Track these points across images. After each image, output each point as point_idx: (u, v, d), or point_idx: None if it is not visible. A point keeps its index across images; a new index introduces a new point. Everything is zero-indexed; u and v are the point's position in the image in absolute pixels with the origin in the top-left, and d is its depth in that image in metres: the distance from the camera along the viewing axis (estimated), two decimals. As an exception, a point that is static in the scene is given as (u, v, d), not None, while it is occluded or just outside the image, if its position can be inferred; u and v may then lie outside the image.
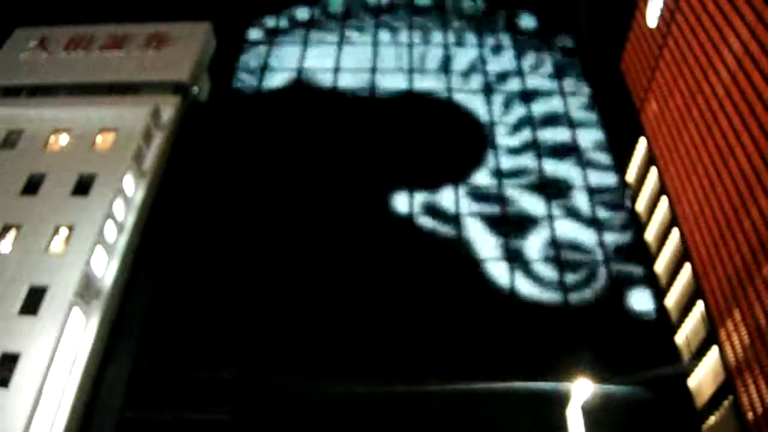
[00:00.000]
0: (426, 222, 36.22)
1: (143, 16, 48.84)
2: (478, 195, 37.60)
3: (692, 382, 29.97)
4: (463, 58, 46.28)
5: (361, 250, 34.79)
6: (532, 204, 37.28)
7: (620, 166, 39.90)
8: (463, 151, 39.98)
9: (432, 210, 36.78)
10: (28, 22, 48.12)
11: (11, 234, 33.74)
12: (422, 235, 35.66)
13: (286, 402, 28.99)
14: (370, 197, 37.30)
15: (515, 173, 38.90)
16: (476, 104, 42.80)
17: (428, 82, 44.26)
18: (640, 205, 38.28)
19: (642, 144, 39.52)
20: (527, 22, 49.63)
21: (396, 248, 34.95)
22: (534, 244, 35.28)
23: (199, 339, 31.34)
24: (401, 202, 37.09)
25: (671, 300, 33.15)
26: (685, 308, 31.55)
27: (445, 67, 45.50)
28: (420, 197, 37.39)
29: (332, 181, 38.34)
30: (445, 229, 35.86)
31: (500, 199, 37.32)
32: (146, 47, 45.04)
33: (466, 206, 37.04)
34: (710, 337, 28.91)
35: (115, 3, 53.12)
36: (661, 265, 34.82)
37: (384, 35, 48.48)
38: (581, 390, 25.18)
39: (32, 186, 35.86)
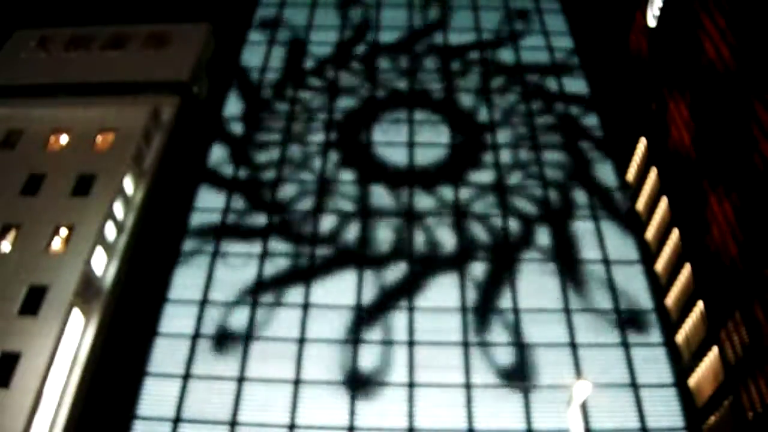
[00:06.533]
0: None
1: (143, 16, 48.91)
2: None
3: (692, 382, 29.97)
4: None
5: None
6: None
7: (620, 166, 39.85)
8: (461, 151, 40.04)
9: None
10: (27, 24, 48.14)
11: (11, 234, 33.71)
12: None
13: (286, 398, 29.03)
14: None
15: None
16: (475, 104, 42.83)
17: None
18: (640, 205, 38.26)
19: (642, 144, 39.51)
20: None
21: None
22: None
23: (199, 339, 31.36)
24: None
25: (671, 300, 33.14)
26: (685, 308, 31.54)
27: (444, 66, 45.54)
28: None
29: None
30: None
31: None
32: (146, 47, 45.02)
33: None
34: (710, 337, 28.91)
35: (115, 3, 53.22)
36: (661, 266, 34.80)
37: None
38: (581, 390, 25.13)
39: (32, 186, 35.78)
